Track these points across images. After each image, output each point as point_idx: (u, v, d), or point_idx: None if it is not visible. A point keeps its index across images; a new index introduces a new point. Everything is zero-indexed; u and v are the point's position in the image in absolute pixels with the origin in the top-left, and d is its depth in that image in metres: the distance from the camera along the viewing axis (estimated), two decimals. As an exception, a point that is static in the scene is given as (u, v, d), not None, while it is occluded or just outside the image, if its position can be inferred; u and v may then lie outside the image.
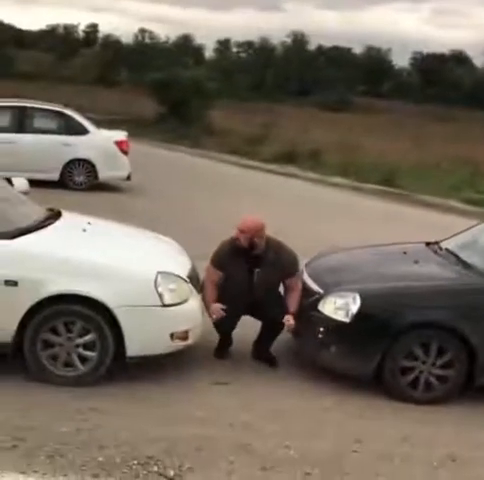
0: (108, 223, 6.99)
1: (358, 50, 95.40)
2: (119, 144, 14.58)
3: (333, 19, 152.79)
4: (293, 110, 50.90)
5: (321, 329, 6.06)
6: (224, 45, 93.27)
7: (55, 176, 13.97)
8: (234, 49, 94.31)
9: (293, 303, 6.33)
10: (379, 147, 26.82)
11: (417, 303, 5.99)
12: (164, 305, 5.64)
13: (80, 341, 5.57)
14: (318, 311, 6.14)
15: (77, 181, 14.26)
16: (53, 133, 14.34)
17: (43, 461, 4.49)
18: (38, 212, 6.37)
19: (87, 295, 5.47)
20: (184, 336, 5.80)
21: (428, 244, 7.29)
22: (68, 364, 5.61)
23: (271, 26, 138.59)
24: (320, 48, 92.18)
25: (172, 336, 5.72)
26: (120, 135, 15.08)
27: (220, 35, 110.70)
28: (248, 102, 52.53)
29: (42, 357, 5.56)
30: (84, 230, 6.17)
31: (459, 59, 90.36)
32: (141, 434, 4.93)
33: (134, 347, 5.59)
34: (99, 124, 17.05)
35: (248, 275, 6.28)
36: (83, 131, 14.46)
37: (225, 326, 6.35)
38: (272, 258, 6.29)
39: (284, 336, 6.51)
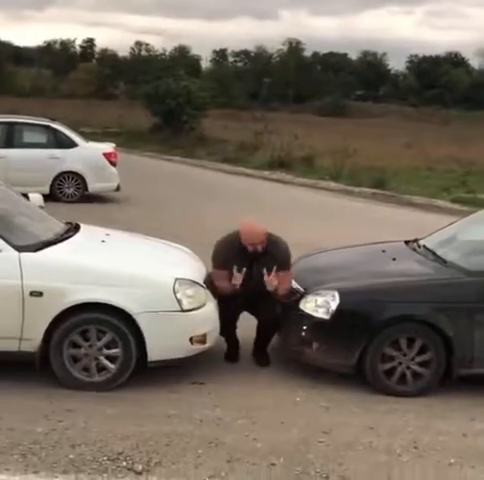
0: (124, 234, 7.28)
1: (354, 55, 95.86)
2: (107, 156, 14.88)
3: (328, 25, 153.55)
4: (289, 117, 51.21)
5: (303, 327, 6.27)
6: (220, 55, 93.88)
7: (45, 189, 14.16)
8: (230, 58, 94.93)
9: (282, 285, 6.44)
10: (373, 151, 27.05)
11: (394, 298, 6.19)
12: (183, 310, 5.86)
13: (104, 350, 5.78)
14: (300, 309, 6.34)
15: (67, 193, 14.54)
16: (42, 147, 14.67)
17: (16, 460, 4.66)
18: (58, 225, 6.63)
19: (109, 303, 5.69)
20: (202, 340, 6.03)
21: (407, 242, 7.48)
22: (87, 369, 5.82)
23: (267, 34, 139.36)
24: (316, 54, 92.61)
25: (191, 340, 5.95)
26: (108, 147, 15.38)
27: (216, 45, 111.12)
28: (244, 110, 52.81)
29: (67, 364, 5.77)
30: (103, 241, 6.46)
31: (455, 61, 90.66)
32: (113, 432, 5.10)
33: (155, 352, 5.82)
34: (95, 137, 17.33)
35: (249, 269, 6.43)
36: (71, 144, 14.76)
37: (227, 319, 6.43)
38: (269, 252, 6.49)
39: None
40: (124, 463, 4.72)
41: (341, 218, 14.77)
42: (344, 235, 11.23)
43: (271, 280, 6.37)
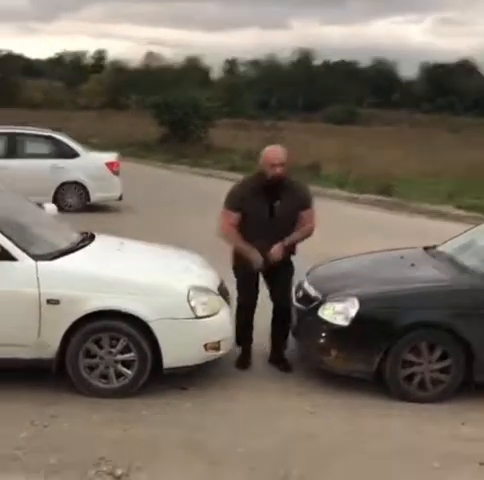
0: (138, 243, 7.36)
1: (365, 63, 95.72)
2: (110, 165, 14.95)
3: (338, 34, 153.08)
4: (299, 125, 51.21)
5: (322, 334, 6.26)
6: (231, 65, 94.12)
7: (48, 199, 14.24)
8: (241, 68, 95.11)
9: (295, 234, 6.50)
10: (382, 158, 26.98)
11: (413, 304, 6.16)
12: (197, 317, 5.93)
13: (120, 357, 5.84)
14: (318, 317, 6.33)
15: (69, 203, 14.60)
16: (44, 157, 14.75)
17: (-2, 464, 4.72)
18: (73, 235, 6.76)
19: (125, 310, 5.77)
20: (217, 346, 6.09)
21: (425, 248, 7.47)
22: (104, 376, 5.88)
23: (278, 43, 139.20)
24: (327, 63, 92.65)
25: (206, 347, 6.01)
26: (110, 157, 15.46)
27: (227, 55, 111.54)
28: (255, 120, 52.90)
29: (82, 371, 5.83)
30: (118, 250, 6.59)
31: (466, 68, 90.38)
32: (97, 437, 5.15)
33: (170, 359, 5.87)
34: (103, 147, 17.27)
35: (269, 207, 6.42)
36: (74, 154, 14.86)
37: (244, 326, 6.55)
38: (292, 188, 6.48)
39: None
40: (105, 468, 4.75)
41: (348, 226, 14.71)
42: (351, 242, 11.20)
43: (277, 252, 6.37)
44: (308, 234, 6.64)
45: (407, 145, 35.02)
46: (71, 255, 6.13)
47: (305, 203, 6.56)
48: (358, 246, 9.47)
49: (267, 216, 6.42)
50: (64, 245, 6.30)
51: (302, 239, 6.63)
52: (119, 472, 4.69)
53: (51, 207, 7.57)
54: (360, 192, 20.01)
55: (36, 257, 5.81)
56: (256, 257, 6.41)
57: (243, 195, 6.49)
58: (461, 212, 17.14)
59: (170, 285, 6.05)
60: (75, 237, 6.68)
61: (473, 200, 18.52)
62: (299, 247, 6.75)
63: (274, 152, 6.50)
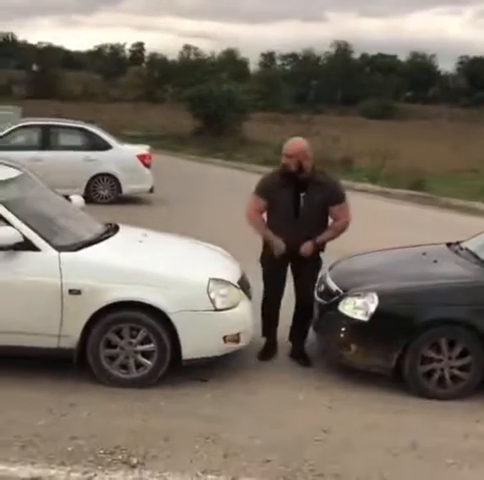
0: (161, 235, 7.41)
1: (403, 57, 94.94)
2: (141, 158, 15.11)
3: (376, 27, 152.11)
4: (336, 119, 51.00)
5: (342, 329, 6.26)
6: (268, 58, 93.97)
7: (81, 191, 14.41)
8: (278, 61, 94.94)
9: (327, 233, 6.54)
10: (417, 152, 26.77)
11: (433, 301, 6.13)
12: (216, 309, 5.98)
13: (140, 348, 5.93)
14: (339, 311, 6.34)
15: (102, 195, 14.79)
16: (77, 149, 14.95)
17: (16, 451, 4.80)
18: (97, 226, 6.85)
19: (145, 301, 5.85)
20: (236, 339, 6.15)
21: (449, 244, 7.41)
22: (124, 367, 5.97)
23: (315, 36, 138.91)
24: (364, 56, 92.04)
25: (225, 339, 6.07)
26: (142, 149, 15.63)
27: (264, 47, 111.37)
28: (291, 113, 52.81)
29: (103, 361, 5.92)
30: (140, 241, 6.66)
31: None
32: (113, 426, 5.22)
33: (189, 350, 5.94)
34: (137, 140, 17.31)
35: (294, 199, 6.44)
36: (106, 146, 15.04)
37: (270, 317, 6.65)
38: (319, 181, 6.45)
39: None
40: (120, 456, 4.81)
41: (378, 220, 14.62)
42: (380, 237, 11.16)
43: (307, 249, 6.41)
44: (342, 230, 6.62)
45: (444, 140, 34.67)
46: (94, 246, 6.21)
47: (335, 197, 6.51)
48: (386, 240, 9.44)
49: (292, 207, 6.44)
50: (88, 236, 6.39)
51: (335, 236, 6.61)
52: (134, 461, 4.75)
53: (78, 199, 7.67)
54: (392, 186, 19.91)
55: (59, 248, 5.90)
56: (278, 243, 6.44)
57: (271, 184, 6.58)
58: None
59: (190, 277, 6.11)
60: (99, 228, 6.77)
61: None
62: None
63: (287, 144, 6.56)
